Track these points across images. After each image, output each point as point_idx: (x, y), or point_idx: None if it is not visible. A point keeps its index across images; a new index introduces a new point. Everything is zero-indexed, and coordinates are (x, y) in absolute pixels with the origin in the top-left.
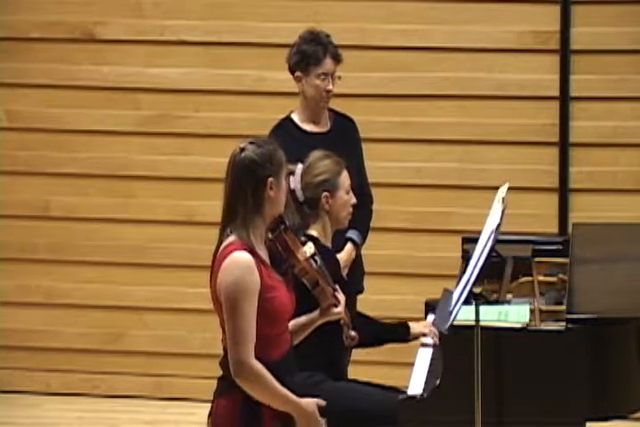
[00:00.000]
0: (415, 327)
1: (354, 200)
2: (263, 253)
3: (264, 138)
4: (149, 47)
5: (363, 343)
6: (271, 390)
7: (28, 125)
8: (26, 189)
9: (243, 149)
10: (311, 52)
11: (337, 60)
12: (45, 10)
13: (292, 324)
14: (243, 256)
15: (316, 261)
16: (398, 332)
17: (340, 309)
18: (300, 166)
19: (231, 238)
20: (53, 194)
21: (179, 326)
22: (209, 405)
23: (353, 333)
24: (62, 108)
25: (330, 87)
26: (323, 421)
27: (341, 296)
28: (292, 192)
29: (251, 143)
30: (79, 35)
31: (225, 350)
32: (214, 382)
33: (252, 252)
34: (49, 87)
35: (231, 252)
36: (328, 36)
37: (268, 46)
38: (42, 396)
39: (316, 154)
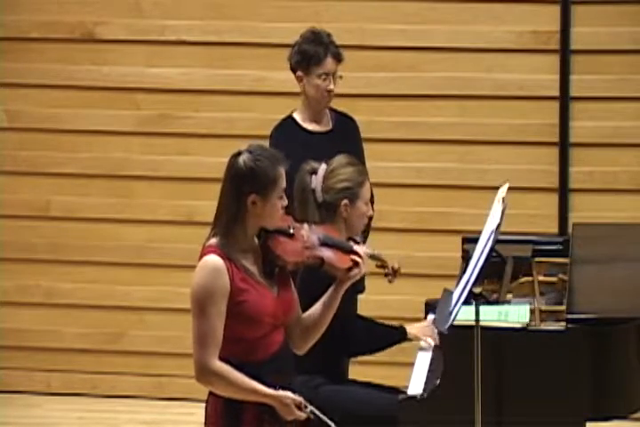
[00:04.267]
0: (411, 333)
1: (371, 212)
2: (245, 258)
3: (267, 149)
4: (149, 47)
5: (363, 352)
6: (236, 387)
7: (28, 125)
8: (26, 189)
9: (238, 155)
10: (312, 52)
11: (338, 59)
12: (45, 10)
13: (313, 308)
14: (212, 260)
15: (319, 238)
16: (395, 335)
17: (357, 270)
18: (323, 167)
19: (211, 241)
20: (53, 194)
21: (179, 326)
22: None
23: (395, 265)
24: (62, 108)
25: (331, 87)
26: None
27: (359, 249)
28: (312, 191)
29: (249, 151)
30: (79, 35)
31: None
32: None
33: (227, 256)
34: (49, 87)
35: (204, 255)
36: (330, 35)
37: (268, 46)
38: (42, 396)
39: (341, 159)
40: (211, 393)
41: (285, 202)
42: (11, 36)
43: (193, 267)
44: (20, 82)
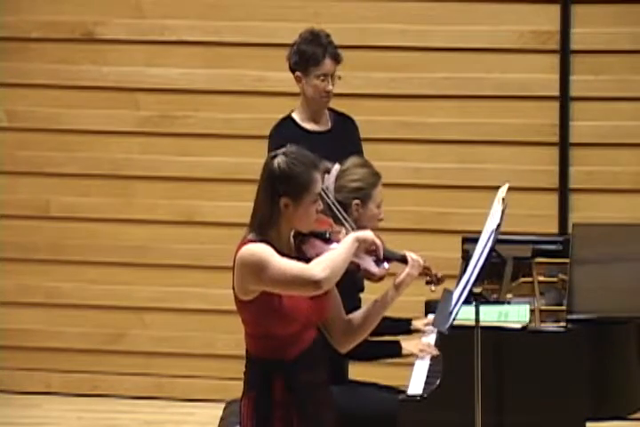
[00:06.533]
0: (406, 347)
1: (382, 216)
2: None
3: (304, 153)
4: (149, 47)
5: (357, 358)
6: (338, 257)
7: (28, 125)
8: (26, 189)
9: (274, 157)
10: (311, 53)
11: (337, 60)
12: (45, 10)
13: (362, 309)
14: (256, 244)
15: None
16: (393, 348)
17: (407, 275)
18: (337, 166)
19: (248, 236)
20: (53, 194)
21: (179, 326)
22: (209, 405)
23: (439, 274)
24: (62, 108)
25: (329, 88)
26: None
27: (413, 257)
28: (324, 190)
29: (284, 154)
30: (79, 35)
31: (247, 350)
32: (214, 382)
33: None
34: (49, 87)
35: (245, 244)
36: (328, 35)
37: (268, 46)
38: (42, 396)
39: (355, 160)
40: (243, 394)
41: (321, 206)
42: (11, 36)
43: (193, 267)
44: (20, 82)
